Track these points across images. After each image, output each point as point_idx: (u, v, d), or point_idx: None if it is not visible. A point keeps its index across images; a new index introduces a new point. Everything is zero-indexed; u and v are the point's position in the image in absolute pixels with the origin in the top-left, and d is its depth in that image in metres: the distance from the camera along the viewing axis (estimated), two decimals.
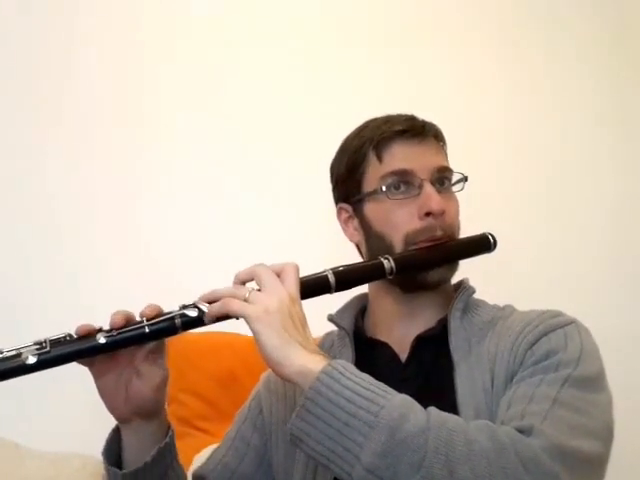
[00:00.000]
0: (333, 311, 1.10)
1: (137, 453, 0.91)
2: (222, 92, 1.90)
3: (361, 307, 1.11)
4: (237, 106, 1.89)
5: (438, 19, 2.10)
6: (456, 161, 1.10)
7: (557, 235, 2.03)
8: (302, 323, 0.84)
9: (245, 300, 0.83)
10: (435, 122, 1.09)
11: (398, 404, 0.75)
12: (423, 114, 1.09)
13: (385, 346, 1.04)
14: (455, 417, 0.78)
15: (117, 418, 0.92)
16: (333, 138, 1.13)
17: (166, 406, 0.96)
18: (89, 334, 0.84)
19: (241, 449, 1.06)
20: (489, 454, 0.72)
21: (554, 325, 0.93)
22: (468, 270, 1.08)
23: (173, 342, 1.63)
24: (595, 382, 0.87)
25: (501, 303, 1.08)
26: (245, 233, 1.82)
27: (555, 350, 0.88)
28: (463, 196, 1.08)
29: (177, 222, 1.82)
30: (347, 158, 1.07)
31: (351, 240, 1.10)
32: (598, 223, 2.07)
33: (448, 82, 2.04)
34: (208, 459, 1.09)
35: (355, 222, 1.07)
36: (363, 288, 1.10)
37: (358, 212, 1.06)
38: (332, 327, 1.11)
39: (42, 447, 1.51)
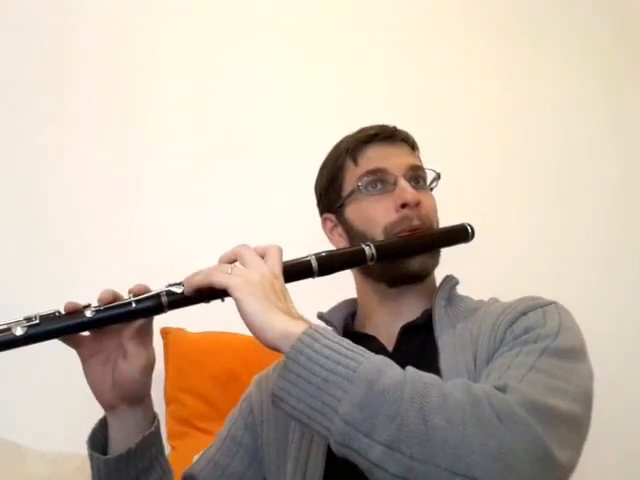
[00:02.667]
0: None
1: (122, 441, 0.92)
2: (210, 91, 1.91)
3: (351, 310, 1.14)
4: (225, 104, 1.90)
5: (436, 16, 2.11)
6: (441, 155, 1.12)
7: (547, 232, 2.04)
8: (284, 295, 0.85)
9: (228, 274, 0.84)
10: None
11: (376, 360, 0.77)
12: (409, 113, 1.11)
13: (373, 339, 1.06)
14: (432, 375, 0.79)
15: (103, 404, 0.92)
16: (319, 138, 1.16)
17: (162, 404, 0.96)
18: (77, 310, 0.86)
19: (232, 448, 1.07)
20: (464, 405, 0.73)
21: (533, 305, 0.95)
22: (453, 269, 1.10)
23: (173, 342, 1.65)
24: (573, 353, 0.88)
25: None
26: (230, 226, 1.82)
27: (534, 326, 0.90)
28: (452, 191, 1.10)
29: (162, 219, 1.82)
30: (327, 171, 1.13)
31: (337, 247, 1.13)
32: (588, 218, 2.09)
33: (454, 81, 2.05)
34: (199, 459, 1.09)
35: (339, 229, 1.11)
36: (349, 281, 1.12)
37: (341, 218, 1.10)
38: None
39: (42, 447, 1.51)
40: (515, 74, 2.14)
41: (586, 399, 0.85)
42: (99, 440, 0.94)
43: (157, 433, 0.95)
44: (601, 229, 2.09)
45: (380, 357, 0.78)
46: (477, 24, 2.13)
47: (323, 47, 2.00)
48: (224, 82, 1.92)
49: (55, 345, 0.87)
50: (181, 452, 1.51)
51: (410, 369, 0.78)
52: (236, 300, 0.82)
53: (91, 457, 0.93)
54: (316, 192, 1.17)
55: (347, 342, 0.79)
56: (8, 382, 1.52)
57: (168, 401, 1.61)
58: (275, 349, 0.80)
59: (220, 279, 0.83)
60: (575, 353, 0.88)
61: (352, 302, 1.15)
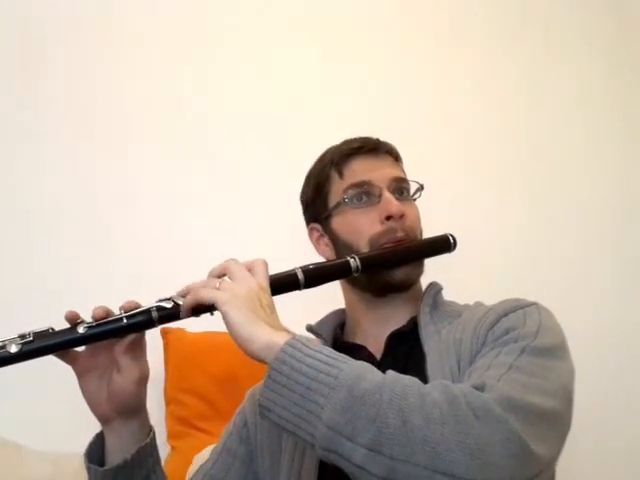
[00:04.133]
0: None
1: (119, 453, 0.93)
2: (208, 92, 1.90)
3: (340, 321, 1.16)
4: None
5: (438, 18, 2.11)
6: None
7: (545, 237, 2.04)
8: (270, 308, 0.87)
9: (217, 289, 0.86)
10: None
11: (356, 366, 0.79)
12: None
13: (361, 348, 1.08)
14: (411, 377, 0.80)
15: (99, 417, 0.94)
16: (304, 149, 1.18)
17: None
18: (70, 327, 0.88)
19: (227, 461, 1.09)
20: (441, 405, 0.75)
21: (514, 307, 0.97)
22: (441, 273, 1.12)
23: (173, 342, 1.65)
24: (553, 351, 0.89)
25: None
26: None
27: (514, 327, 0.92)
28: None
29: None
30: (313, 182, 1.15)
31: (323, 256, 1.15)
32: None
33: (454, 81, 2.05)
34: (195, 473, 1.11)
35: (325, 239, 1.14)
36: (336, 293, 1.14)
37: (327, 228, 1.13)
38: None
39: (42, 447, 1.51)
40: (513, 78, 2.13)
41: (565, 395, 0.86)
42: (96, 453, 0.95)
43: (153, 444, 0.96)
44: (606, 231, 2.09)
45: (360, 363, 0.80)
46: (476, 27, 2.13)
47: (325, 50, 2.00)
48: (223, 87, 1.92)
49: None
50: (181, 452, 1.51)
51: (390, 372, 0.80)
52: (223, 313, 0.84)
53: (89, 469, 0.94)
54: (302, 202, 1.19)
55: (329, 350, 0.81)
56: (8, 382, 1.52)
57: (168, 401, 1.61)
58: (259, 360, 0.82)
59: (208, 295, 0.86)
60: (554, 351, 0.90)
61: (340, 312, 1.17)
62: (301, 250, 1.15)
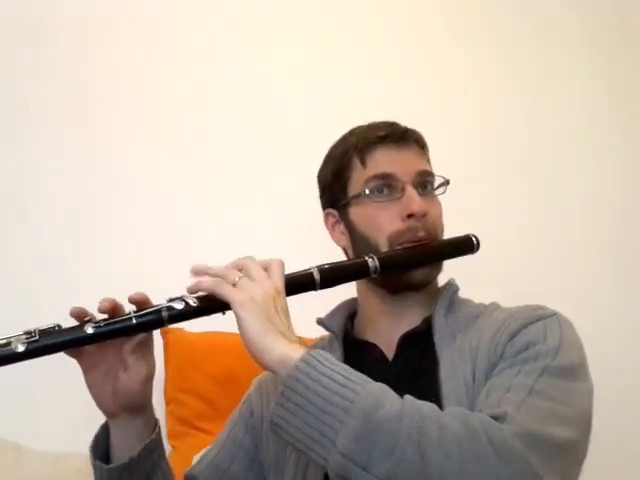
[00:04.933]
0: (322, 315, 1.12)
1: (124, 449, 0.92)
2: (208, 95, 1.90)
3: (350, 312, 1.13)
4: (223, 105, 1.89)
5: (435, 19, 2.11)
6: (442, 162, 1.12)
7: (545, 237, 2.04)
8: (285, 315, 0.86)
9: (234, 285, 0.85)
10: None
11: (373, 391, 0.76)
12: (407, 114, 1.11)
13: (373, 346, 1.06)
14: (429, 404, 0.79)
15: (105, 412, 0.94)
16: (318, 140, 1.15)
17: (163, 403, 0.97)
18: (77, 325, 0.86)
19: (232, 450, 1.07)
20: (461, 439, 0.73)
21: (534, 317, 0.94)
22: (455, 272, 1.10)
23: (173, 342, 1.65)
24: (574, 371, 0.88)
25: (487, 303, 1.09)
26: (230, 235, 1.81)
27: (534, 341, 0.89)
28: (452, 198, 1.10)
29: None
30: (333, 165, 1.11)
31: (338, 244, 1.13)
32: (587, 223, 2.08)
33: (454, 80, 2.05)
34: (200, 460, 1.10)
35: (341, 226, 1.10)
36: (351, 290, 1.11)
37: (344, 216, 1.09)
38: (321, 331, 1.13)
39: (42, 447, 1.51)
40: (524, 77, 2.13)
41: (586, 421, 0.85)
42: (101, 446, 0.95)
43: (158, 439, 0.96)
44: (605, 231, 2.09)
45: (378, 386, 0.78)
46: (475, 26, 2.13)
47: (325, 50, 2.00)
48: (224, 85, 1.92)
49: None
50: (181, 452, 1.51)
51: (408, 399, 0.78)
52: (238, 317, 0.83)
53: (94, 466, 0.94)
54: (319, 183, 1.15)
55: (345, 369, 0.79)
56: (8, 382, 1.52)
57: (168, 401, 1.61)
58: (272, 372, 0.81)
59: (225, 292, 0.84)
60: (575, 371, 0.88)
61: (351, 303, 1.14)
62: (302, 250, 1.15)
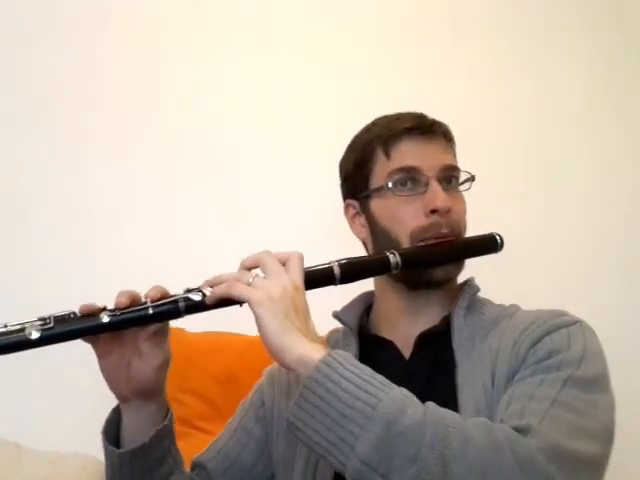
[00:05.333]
0: (338, 308, 1.10)
1: (135, 434, 0.92)
2: (209, 93, 1.89)
3: (366, 305, 1.11)
4: (238, 101, 1.89)
5: (439, 16, 2.10)
6: (464, 159, 1.10)
7: (565, 235, 2.03)
8: (304, 312, 0.84)
9: (249, 285, 0.83)
10: (442, 120, 1.09)
11: (396, 397, 0.75)
12: (429, 112, 1.09)
13: (389, 343, 1.04)
14: (452, 413, 0.77)
15: (118, 396, 0.93)
16: (337, 136, 1.13)
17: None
18: (93, 313, 0.85)
19: (242, 439, 1.06)
20: (485, 451, 0.72)
21: (558, 324, 0.92)
22: (474, 269, 1.08)
23: (173, 342, 1.63)
24: (597, 383, 0.86)
25: (507, 303, 1.07)
26: (249, 229, 1.80)
27: (558, 350, 0.87)
28: (471, 195, 1.08)
29: (179, 220, 1.81)
30: (355, 154, 1.07)
31: (358, 236, 1.10)
32: (609, 223, 2.07)
33: (455, 80, 2.04)
34: (208, 448, 1.09)
35: (362, 219, 1.08)
36: (369, 285, 1.10)
37: (365, 208, 1.06)
38: (336, 324, 1.11)
39: (42, 447, 1.51)
40: (524, 77, 2.12)
41: (607, 435, 0.84)
42: (112, 431, 0.94)
43: (170, 426, 0.95)
44: (610, 232, 2.08)
45: (400, 390, 0.77)
46: (475, 26, 2.13)
47: (324, 50, 1.99)
48: (224, 86, 1.91)
49: (56, 345, 0.87)
50: (181, 452, 1.51)
51: (430, 406, 0.76)
52: (256, 316, 0.81)
53: (106, 449, 0.93)
54: (340, 172, 1.13)
55: (367, 372, 0.77)
56: (8, 382, 1.52)
57: (168, 401, 1.60)
58: (292, 371, 0.80)
59: (241, 292, 0.82)
60: (598, 382, 0.87)
61: (368, 296, 1.11)
62: (303, 251, 1.14)
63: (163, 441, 0.93)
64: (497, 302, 1.07)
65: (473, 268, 1.08)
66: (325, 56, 1.98)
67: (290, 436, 1.00)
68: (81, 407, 1.54)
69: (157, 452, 0.92)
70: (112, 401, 0.96)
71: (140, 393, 0.92)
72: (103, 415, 0.96)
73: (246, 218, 1.83)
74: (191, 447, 1.45)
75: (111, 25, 1.86)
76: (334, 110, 1.91)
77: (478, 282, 1.09)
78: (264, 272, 0.85)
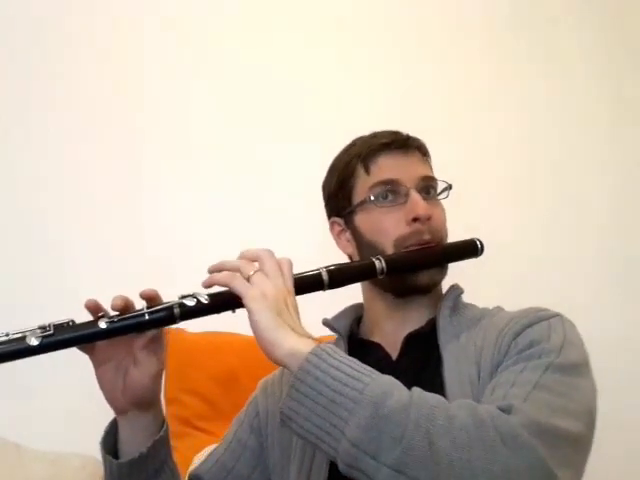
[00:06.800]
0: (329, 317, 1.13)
1: (133, 445, 0.93)
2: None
3: (357, 315, 1.15)
4: (236, 102, 1.90)
5: (433, 23, 2.11)
6: (441, 163, 1.13)
7: (549, 239, 2.03)
8: (296, 312, 0.88)
9: (248, 279, 0.87)
10: (424, 125, 1.13)
11: (383, 382, 0.78)
12: (409, 117, 1.11)
13: (377, 346, 1.07)
14: (437, 396, 0.80)
15: (115, 408, 0.94)
16: (326, 145, 1.15)
17: (163, 404, 0.97)
18: (91, 320, 0.87)
19: (237, 450, 1.09)
20: (469, 428, 0.74)
21: (539, 317, 0.96)
22: (458, 276, 1.11)
23: (173, 342, 1.64)
24: (577, 369, 0.89)
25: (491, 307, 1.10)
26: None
27: (539, 340, 0.91)
28: (452, 198, 1.11)
29: (172, 220, 1.82)
30: (337, 174, 1.12)
31: (344, 252, 1.14)
32: (591, 224, 2.07)
33: (438, 85, 2.05)
34: (205, 459, 1.11)
35: (347, 234, 1.12)
36: (357, 293, 1.12)
37: (349, 224, 1.10)
38: (327, 332, 1.13)
39: (42, 447, 1.51)
40: (524, 78, 2.13)
41: (589, 417, 0.86)
42: (110, 443, 0.95)
43: (166, 437, 0.96)
44: (610, 235, 2.08)
45: (387, 378, 0.80)
46: (475, 26, 2.13)
47: (325, 49, 1.99)
48: (223, 86, 1.92)
49: None
50: (181, 452, 1.50)
51: (416, 390, 0.79)
52: (249, 311, 0.84)
53: (105, 459, 0.94)
54: (324, 193, 1.16)
55: (354, 362, 0.81)
56: (8, 382, 1.52)
57: (169, 401, 1.60)
58: (282, 366, 0.83)
59: (238, 286, 0.86)
60: (579, 368, 0.89)
61: (358, 307, 1.15)
62: (304, 251, 1.15)
63: (160, 451, 0.95)
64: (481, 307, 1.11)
65: (457, 278, 1.11)
66: (325, 64, 1.98)
67: (284, 442, 1.03)
68: (81, 407, 1.54)
69: (155, 462, 0.94)
70: None
71: (137, 402, 0.93)
72: (103, 415, 0.96)
73: (241, 222, 1.84)
74: (191, 447, 1.46)
75: (113, 26, 1.87)
76: (334, 110, 1.92)
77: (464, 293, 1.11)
78: (262, 269, 0.89)
